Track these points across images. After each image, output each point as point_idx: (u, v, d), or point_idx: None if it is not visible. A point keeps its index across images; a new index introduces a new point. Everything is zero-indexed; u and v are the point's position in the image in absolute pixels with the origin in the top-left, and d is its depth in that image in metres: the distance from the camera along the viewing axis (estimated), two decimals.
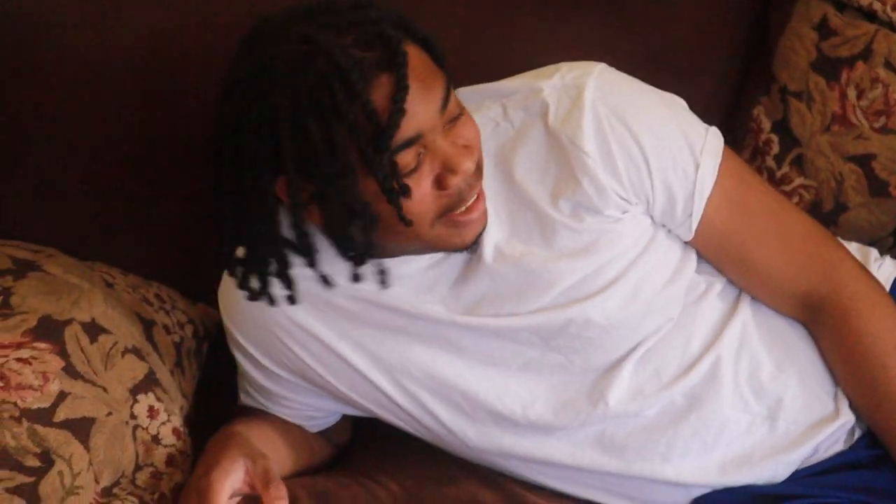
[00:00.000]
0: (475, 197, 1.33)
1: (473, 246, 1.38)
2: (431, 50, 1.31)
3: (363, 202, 1.28)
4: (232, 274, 1.41)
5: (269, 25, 1.31)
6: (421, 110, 1.26)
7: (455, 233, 1.34)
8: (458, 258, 1.40)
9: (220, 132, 1.32)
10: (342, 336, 1.44)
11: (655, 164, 1.37)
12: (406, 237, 1.33)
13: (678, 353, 1.41)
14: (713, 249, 1.43)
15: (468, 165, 1.30)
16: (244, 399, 1.56)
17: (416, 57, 1.27)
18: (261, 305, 1.43)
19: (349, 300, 1.42)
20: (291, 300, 1.39)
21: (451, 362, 1.43)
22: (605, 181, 1.35)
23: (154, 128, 1.74)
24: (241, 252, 1.39)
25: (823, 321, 1.42)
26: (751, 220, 1.42)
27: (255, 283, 1.38)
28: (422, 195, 1.29)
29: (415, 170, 1.28)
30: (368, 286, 1.39)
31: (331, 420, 1.58)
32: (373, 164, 1.24)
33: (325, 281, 1.37)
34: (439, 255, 1.40)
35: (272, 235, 1.34)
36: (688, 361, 1.41)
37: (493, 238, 1.39)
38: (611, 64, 1.45)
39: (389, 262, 1.38)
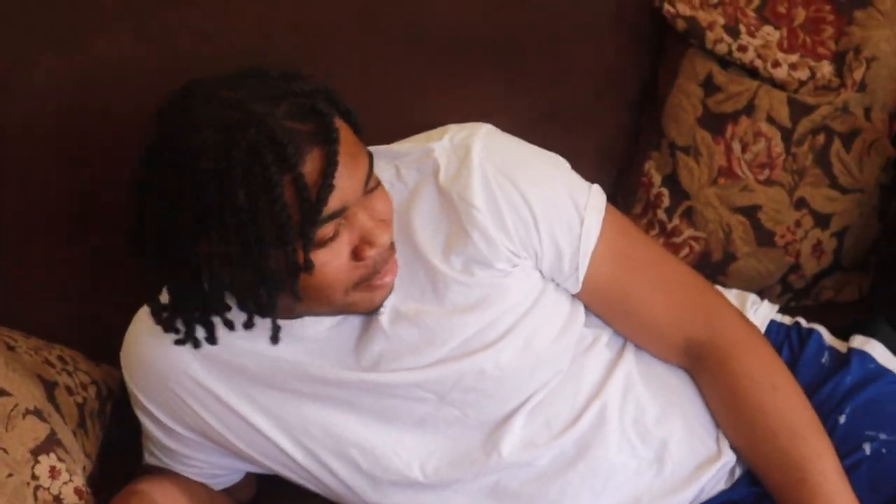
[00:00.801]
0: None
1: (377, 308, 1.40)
2: (353, 122, 1.34)
3: (275, 270, 1.29)
4: (158, 320, 1.42)
5: (197, 88, 1.31)
6: (347, 185, 1.28)
7: (368, 297, 1.36)
8: (357, 319, 1.43)
9: (144, 192, 1.32)
10: (241, 395, 1.45)
11: (542, 219, 1.40)
12: (317, 303, 1.35)
13: (567, 404, 1.44)
14: (599, 301, 1.47)
15: (385, 239, 1.33)
16: (148, 458, 1.57)
17: (343, 130, 1.30)
18: (162, 366, 1.44)
19: (249, 360, 1.43)
20: (212, 341, 1.40)
21: (349, 421, 1.45)
22: (495, 235, 1.39)
23: (56, 189, 1.75)
24: (164, 297, 1.41)
25: (704, 366, 1.46)
26: (635, 272, 1.46)
27: (179, 326, 1.40)
28: (339, 265, 1.31)
29: (332, 239, 1.30)
30: (269, 348, 1.41)
31: (234, 478, 1.59)
32: (299, 235, 1.26)
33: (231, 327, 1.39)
34: (340, 316, 1.42)
35: (194, 288, 1.35)
36: (576, 411, 1.44)
37: (390, 298, 1.41)
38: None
39: (292, 323, 1.40)
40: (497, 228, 1.39)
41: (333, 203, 1.27)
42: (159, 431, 1.51)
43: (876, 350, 1.51)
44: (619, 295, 1.46)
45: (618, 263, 1.45)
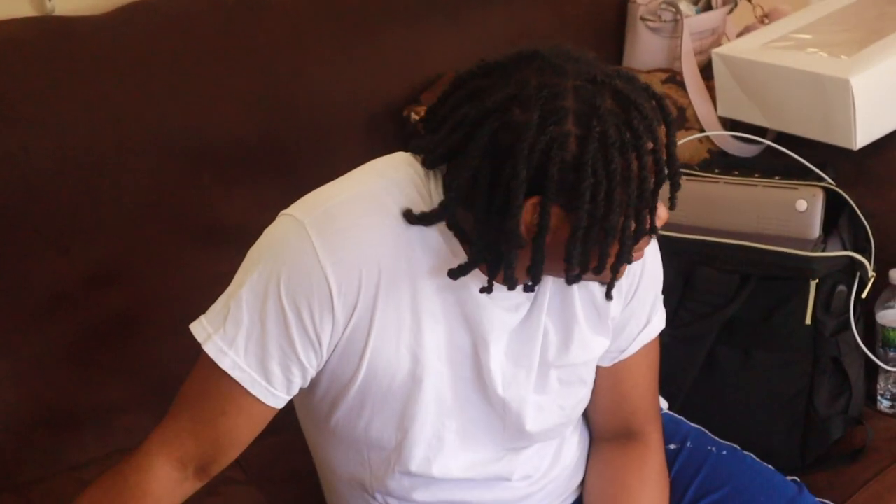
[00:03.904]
0: None
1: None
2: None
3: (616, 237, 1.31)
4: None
5: (536, 56, 1.30)
6: None
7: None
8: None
9: (485, 144, 1.29)
10: (430, 313, 1.42)
11: (635, 302, 1.56)
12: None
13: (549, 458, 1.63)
14: (610, 377, 1.62)
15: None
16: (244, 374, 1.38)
17: None
18: (371, 253, 1.37)
19: (462, 296, 1.42)
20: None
21: (470, 398, 1.50)
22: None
23: None
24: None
25: (628, 442, 1.66)
26: (649, 372, 1.66)
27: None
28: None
29: None
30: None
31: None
32: (650, 201, 1.31)
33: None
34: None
35: (514, 243, 1.31)
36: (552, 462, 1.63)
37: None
38: None
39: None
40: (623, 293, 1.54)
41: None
42: (311, 322, 1.37)
43: None
44: (628, 382, 1.64)
45: (645, 362, 1.64)
